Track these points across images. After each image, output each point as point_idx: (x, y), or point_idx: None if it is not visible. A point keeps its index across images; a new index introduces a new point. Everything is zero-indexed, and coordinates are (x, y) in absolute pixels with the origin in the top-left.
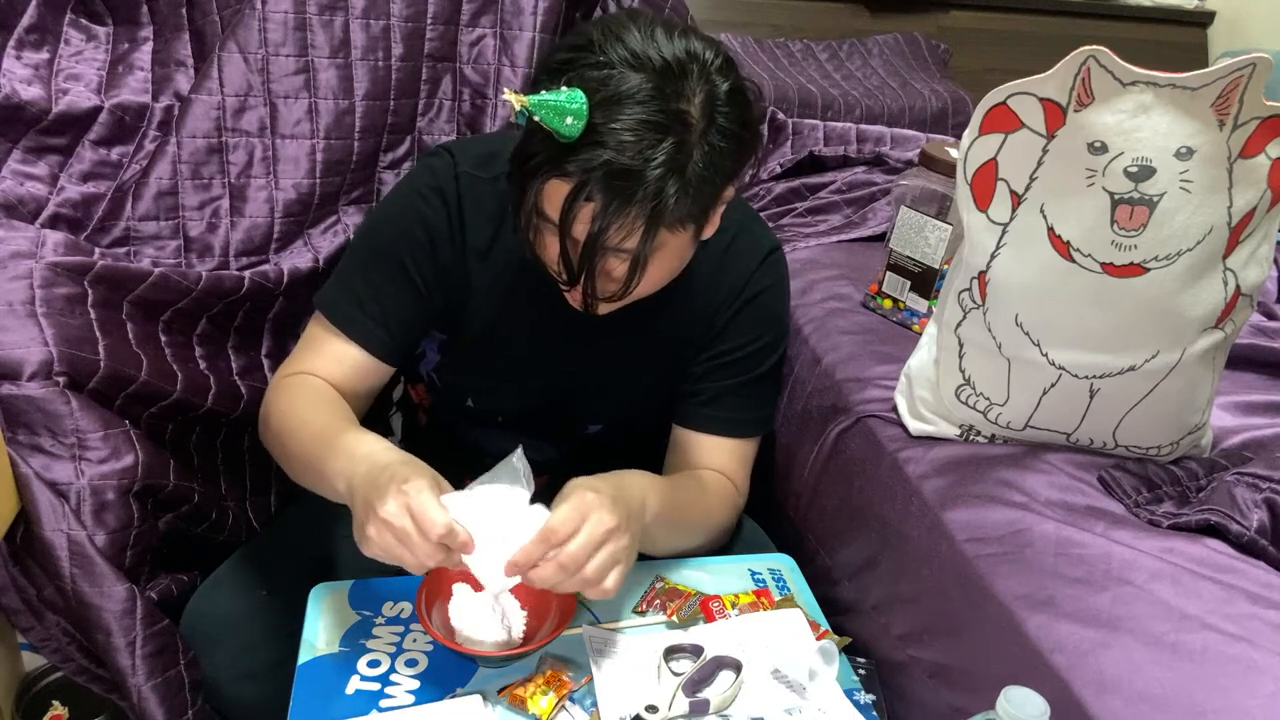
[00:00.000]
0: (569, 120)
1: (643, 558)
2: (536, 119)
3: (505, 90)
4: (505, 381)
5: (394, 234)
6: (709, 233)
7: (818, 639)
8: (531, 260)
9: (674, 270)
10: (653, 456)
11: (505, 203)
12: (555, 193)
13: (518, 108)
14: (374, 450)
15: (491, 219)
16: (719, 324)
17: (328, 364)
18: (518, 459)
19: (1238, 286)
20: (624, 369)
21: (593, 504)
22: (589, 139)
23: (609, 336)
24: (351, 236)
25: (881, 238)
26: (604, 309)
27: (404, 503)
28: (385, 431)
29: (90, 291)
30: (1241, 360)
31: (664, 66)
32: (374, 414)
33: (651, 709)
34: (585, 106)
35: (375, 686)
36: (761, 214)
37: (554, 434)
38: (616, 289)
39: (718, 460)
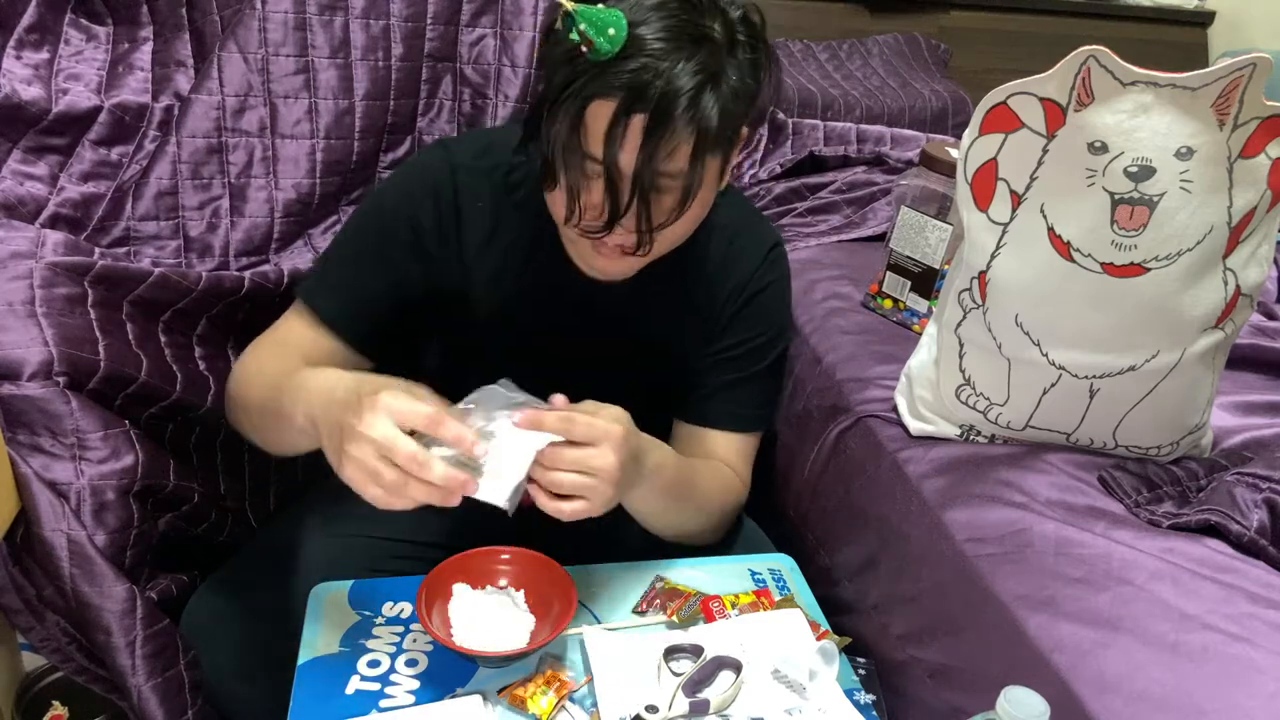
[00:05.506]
0: (611, 32)
1: (646, 550)
2: (582, 27)
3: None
4: (507, 376)
5: (380, 230)
6: (723, 183)
7: (818, 639)
8: (562, 221)
9: (699, 217)
10: None
11: (503, 192)
12: (596, 121)
13: (569, 7)
14: (332, 375)
15: (489, 210)
16: (723, 319)
17: (298, 343)
18: (504, 385)
19: (1238, 286)
20: (628, 364)
21: (616, 423)
22: (624, 53)
23: (614, 331)
24: None
25: (881, 238)
26: (656, 251)
27: (376, 411)
28: None
29: (90, 291)
30: (1241, 360)
31: None
32: None
33: (651, 709)
34: (625, 20)
35: (375, 686)
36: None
37: None
38: (663, 219)
39: (719, 454)
